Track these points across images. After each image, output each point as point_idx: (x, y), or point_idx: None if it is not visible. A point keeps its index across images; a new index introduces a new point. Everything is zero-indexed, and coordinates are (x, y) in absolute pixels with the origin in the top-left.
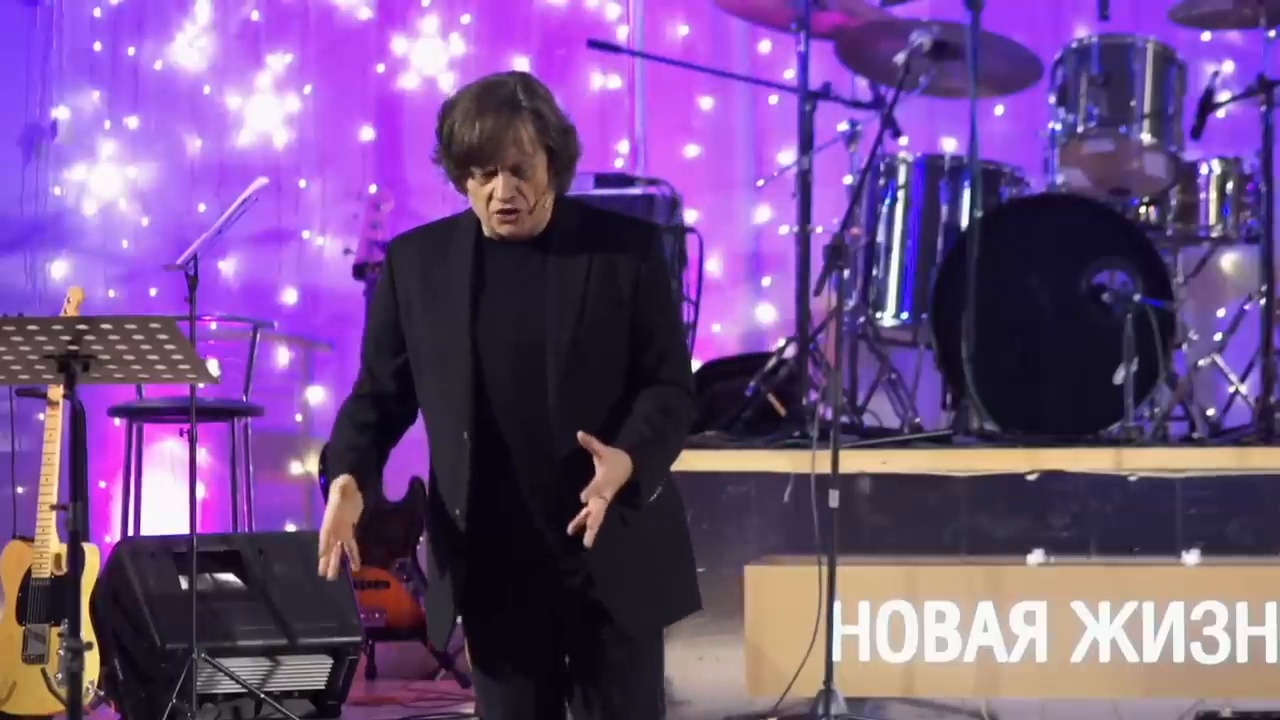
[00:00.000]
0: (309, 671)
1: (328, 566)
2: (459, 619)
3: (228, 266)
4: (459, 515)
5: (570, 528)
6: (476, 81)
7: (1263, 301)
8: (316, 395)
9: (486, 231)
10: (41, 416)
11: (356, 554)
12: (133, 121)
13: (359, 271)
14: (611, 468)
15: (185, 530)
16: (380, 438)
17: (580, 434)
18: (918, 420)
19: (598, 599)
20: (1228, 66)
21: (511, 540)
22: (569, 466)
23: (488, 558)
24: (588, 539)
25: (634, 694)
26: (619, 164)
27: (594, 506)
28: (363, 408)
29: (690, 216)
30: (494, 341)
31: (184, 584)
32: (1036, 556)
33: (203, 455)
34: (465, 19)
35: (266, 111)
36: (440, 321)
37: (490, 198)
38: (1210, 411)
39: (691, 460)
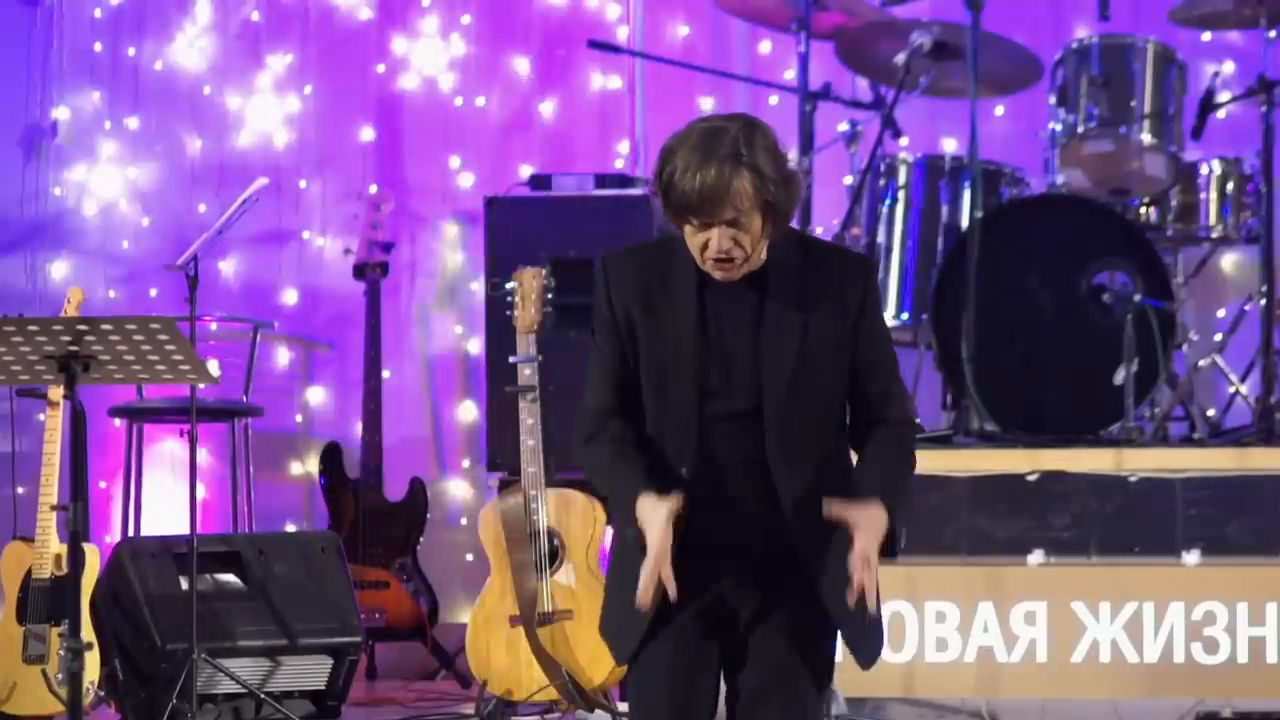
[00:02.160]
0: (309, 672)
1: (649, 599)
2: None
3: (228, 267)
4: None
5: (850, 602)
6: (698, 125)
7: (1263, 302)
8: (316, 396)
9: (699, 263)
10: (41, 417)
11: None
12: (133, 122)
13: (359, 272)
14: (870, 530)
15: (185, 530)
16: (643, 449)
17: (829, 508)
18: (918, 421)
19: (813, 636)
20: (1228, 67)
21: (721, 575)
22: (787, 506)
23: (692, 589)
24: (871, 607)
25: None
26: (619, 164)
27: (867, 580)
28: (609, 427)
29: None
30: (713, 382)
31: (184, 584)
32: (1037, 557)
33: (203, 455)
34: (465, 19)
35: (266, 112)
36: (665, 357)
37: (704, 244)
38: (1210, 412)
39: None
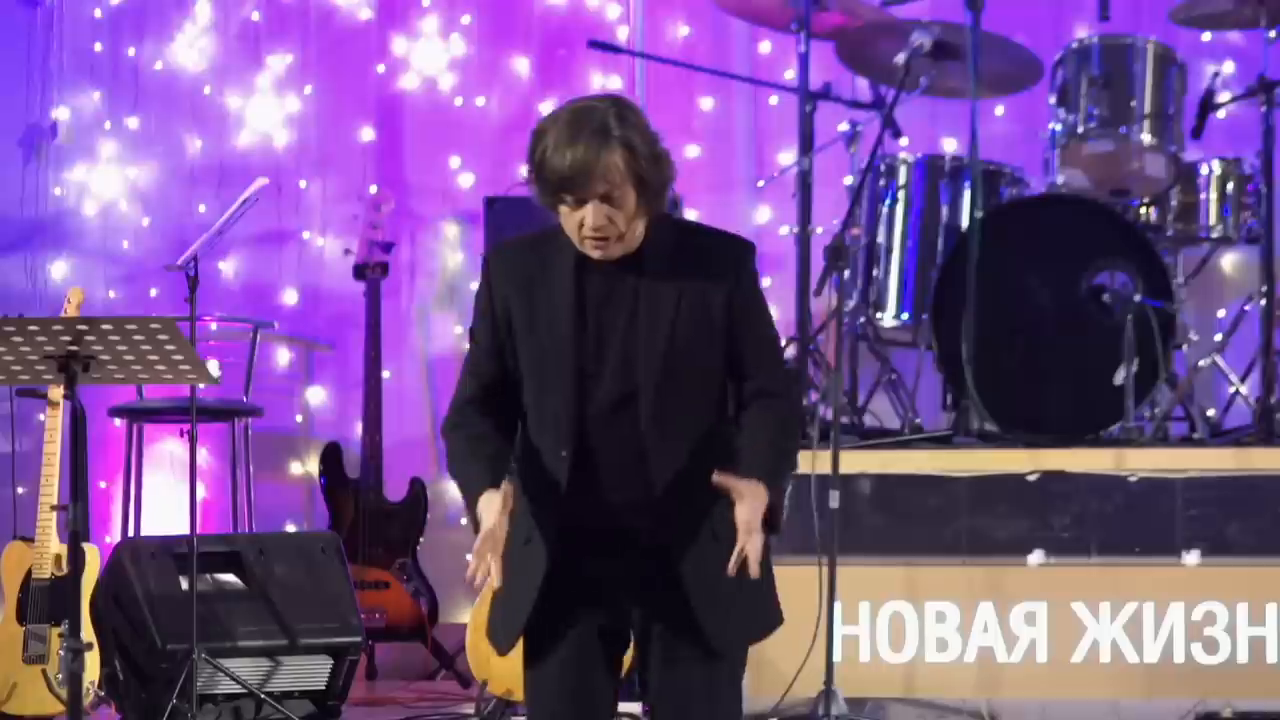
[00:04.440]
0: (309, 672)
1: (482, 573)
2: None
3: (228, 267)
4: (550, 527)
5: (731, 570)
6: (569, 104)
7: (1263, 302)
8: (316, 396)
9: (578, 247)
10: (42, 417)
11: (499, 573)
12: (133, 122)
13: (359, 272)
14: (753, 503)
15: (185, 530)
16: (501, 441)
17: (716, 475)
18: (918, 421)
19: (691, 616)
20: (1228, 67)
21: (596, 554)
22: (663, 486)
23: (570, 570)
24: (753, 571)
25: (714, 713)
26: None
27: (751, 549)
28: (470, 419)
29: (690, 217)
30: (592, 363)
31: (184, 584)
32: (1037, 557)
33: (203, 455)
34: (465, 19)
35: (266, 112)
36: (542, 341)
37: (581, 224)
38: (1210, 412)
39: None
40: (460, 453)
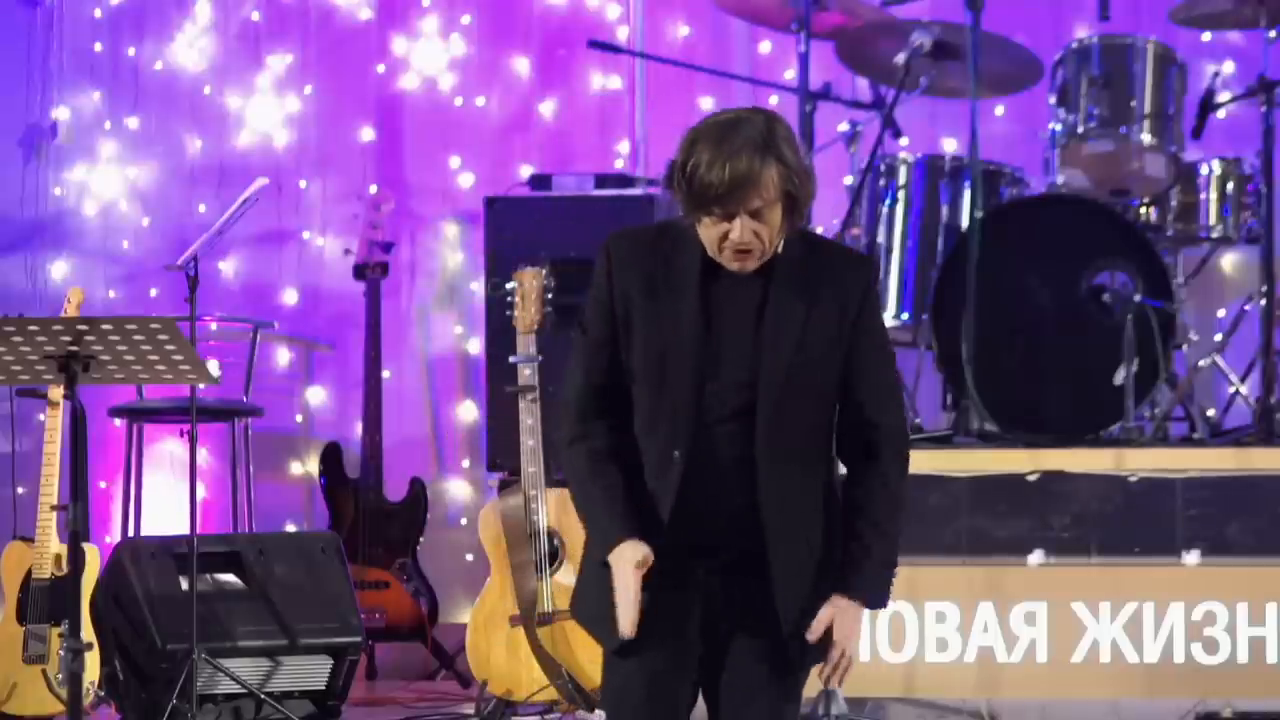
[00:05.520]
0: (309, 672)
1: (631, 629)
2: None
3: (228, 267)
4: (649, 529)
5: (821, 681)
6: (721, 117)
7: (1263, 302)
8: (316, 396)
9: (711, 254)
10: (42, 417)
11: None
12: (133, 122)
13: (359, 272)
14: (850, 635)
15: (185, 530)
16: (627, 454)
17: (809, 633)
18: (918, 421)
19: (789, 630)
20: (1228, 67)
21: (695, 559)
22: (765, 498)
23: (673, 574)
24: (835, 682)
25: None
26: (619, 164)
27: (839, 670)
28: (592, 430)
29: None
30: (712, 369)
31: (184, 584)
32: (1037, 557)
33: (203, 455)
34: (465, 19)
35: (266, 112)
36: (664, 341)
37: (724, 235)
38: (1210, 412)
39: None
40: (583, 473)
